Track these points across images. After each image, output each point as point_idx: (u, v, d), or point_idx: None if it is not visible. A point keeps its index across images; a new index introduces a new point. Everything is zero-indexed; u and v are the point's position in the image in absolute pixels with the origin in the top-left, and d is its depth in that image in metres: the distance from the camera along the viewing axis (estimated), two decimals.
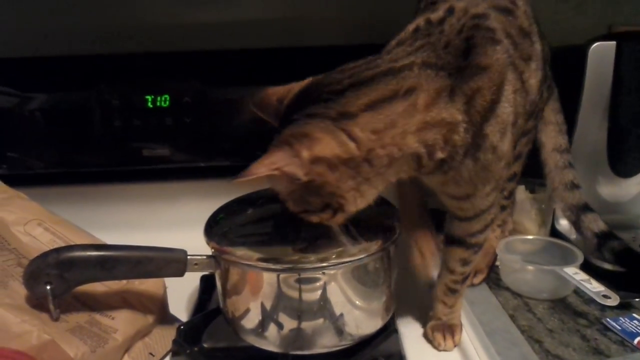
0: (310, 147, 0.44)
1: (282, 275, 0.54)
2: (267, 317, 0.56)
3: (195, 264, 0.56)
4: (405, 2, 0.93)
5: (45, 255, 0.50)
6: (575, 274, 0.66)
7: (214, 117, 0.88)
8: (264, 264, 0.54)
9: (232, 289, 0.58)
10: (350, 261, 0.54)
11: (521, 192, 0.85)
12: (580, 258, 0.69)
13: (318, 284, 0.55)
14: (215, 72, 0.89)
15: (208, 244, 0.58)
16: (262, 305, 0.56)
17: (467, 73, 0.47)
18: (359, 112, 0.45)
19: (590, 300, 0.69)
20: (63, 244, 0.63)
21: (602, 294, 0.62)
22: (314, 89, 0.49)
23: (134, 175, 0.91)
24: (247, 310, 0.57)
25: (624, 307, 0.68)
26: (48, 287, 0.49)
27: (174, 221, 0.91)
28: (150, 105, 0.88)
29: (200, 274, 0.80)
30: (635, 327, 0.63)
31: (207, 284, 0.74)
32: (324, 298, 0.55)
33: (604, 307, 0.67)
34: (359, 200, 0.49)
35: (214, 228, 0.61)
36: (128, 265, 0.52)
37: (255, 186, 0.64)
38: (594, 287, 0.63)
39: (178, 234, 0.91)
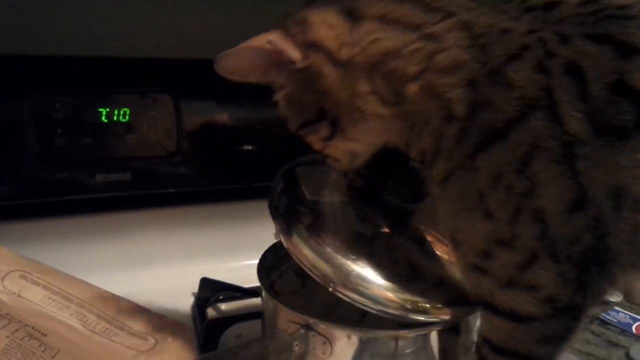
0: (305, 30, 0.40)
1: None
2: None
3: (296, 345, 0.44)
4: None
5: None
6: None
7: (187, 135, 0.76)
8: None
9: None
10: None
11: None
12: None
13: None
14: (188, 83, 0.77)
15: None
16: None
17: None
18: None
19: None
20: (63, 301, 0.47)
21: None
22: None
23: (83, 206, 0.73)
24: None
25: (603, 303, 0.77)
26: None
27: (135, 259, 0.76)
28: (104, 119, 0.72)
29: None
30: (625, 318, 0.72)
31: (213, 329, 0.62)
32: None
33: None
34: (352, 122, 0.41)
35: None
36: None
37: None
38: None
39: (138, 274, 0.76)
